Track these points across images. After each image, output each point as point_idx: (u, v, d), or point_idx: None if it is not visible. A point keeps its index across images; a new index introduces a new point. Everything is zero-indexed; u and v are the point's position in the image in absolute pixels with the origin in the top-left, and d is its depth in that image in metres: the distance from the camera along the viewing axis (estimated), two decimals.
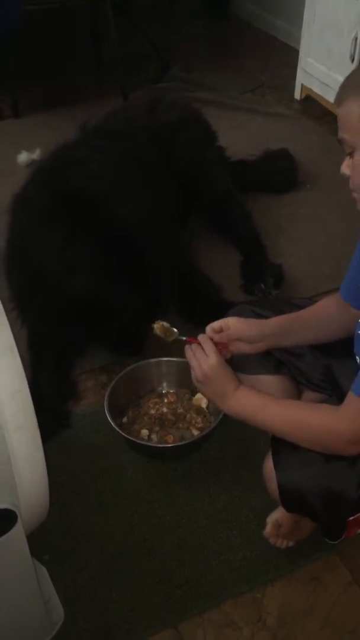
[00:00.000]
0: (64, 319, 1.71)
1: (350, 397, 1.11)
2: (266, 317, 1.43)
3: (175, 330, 1.41)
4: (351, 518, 1.21)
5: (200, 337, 1.31)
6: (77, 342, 1.85)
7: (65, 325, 1.75)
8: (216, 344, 1.30)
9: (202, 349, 1.28)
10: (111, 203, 1.73)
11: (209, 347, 1.28)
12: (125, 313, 1.65)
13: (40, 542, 1.40)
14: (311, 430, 1.16)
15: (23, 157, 2.66)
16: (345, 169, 1.13)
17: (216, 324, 1.35)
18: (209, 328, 1.35)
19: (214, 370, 1.26)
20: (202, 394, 1.31)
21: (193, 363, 1.29)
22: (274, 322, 1.39)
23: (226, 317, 1.53)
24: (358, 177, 1.11)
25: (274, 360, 1.47)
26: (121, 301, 1.66)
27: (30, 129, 2.96)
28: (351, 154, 1.11)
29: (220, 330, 1.34)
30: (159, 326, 1.41)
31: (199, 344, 1.30)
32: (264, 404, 1.22)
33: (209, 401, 1.63)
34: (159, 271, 1.74)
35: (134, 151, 2.01)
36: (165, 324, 1.41)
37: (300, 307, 1.45)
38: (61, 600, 1.31)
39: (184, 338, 1.34)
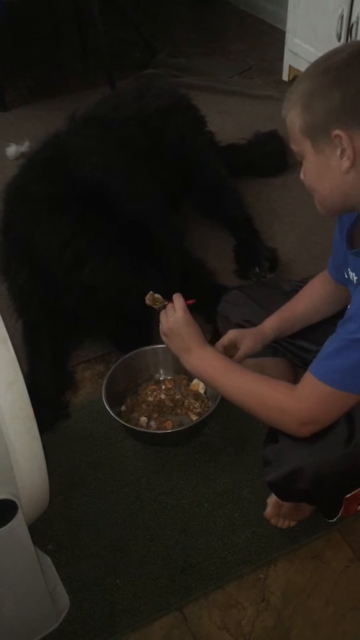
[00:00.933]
0: (72, 310, 1.70)
1: (307, 376, 1.11)
2: (260, 306, 1.48)
3: (163, 299, 1.43)
4: (348, 495, 1.22)
5: (174, 296, 1.35)
6: (74, 333, 1.85)
7: (67, 317, 1.74)
8: (187, 302, 1.33)
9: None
10: (119, 192, 1.70)
11: (178, 303, 1.32)
12: (139, 302, 1.63)
13: (44, 532, 1.41)
14: (266, 405, 1.16)
15: (12, 150, 2.64)
16: (301, 175, 1.15)
17: (225, 340, 1.40)
18: (219, 345, 1.39)
19: (177, 324, 1.29)
20: (168, 347, 1.33)
21: (162, 319, 1.34)
22: (272, 331, 1.43)
23: (221, 306, 1.56)
24: (309, 182, 1.15)
25: (270, 345, 1.48)
26: (136, 290, 1.61)
27: (18, 122, 2.94)
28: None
29: (228, 345, 1.39)
30: (149, 296, 1.43)
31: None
32: (226, 369, 1.23)
33: (198, 381, 1.65)
34: (169, 258, 1.73)
35: (127, 139, 2.00)
36: (157, 295, 1.43)
37: (297, 292, 1.46)
38: (66, 589, 1.32)
39: (166, 302, 1.38)
